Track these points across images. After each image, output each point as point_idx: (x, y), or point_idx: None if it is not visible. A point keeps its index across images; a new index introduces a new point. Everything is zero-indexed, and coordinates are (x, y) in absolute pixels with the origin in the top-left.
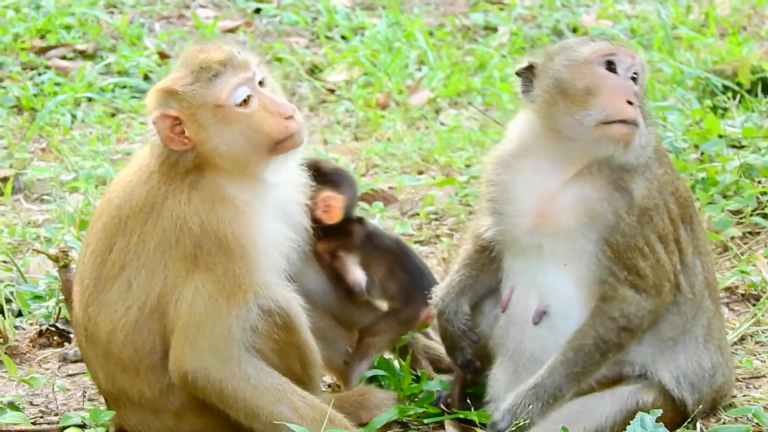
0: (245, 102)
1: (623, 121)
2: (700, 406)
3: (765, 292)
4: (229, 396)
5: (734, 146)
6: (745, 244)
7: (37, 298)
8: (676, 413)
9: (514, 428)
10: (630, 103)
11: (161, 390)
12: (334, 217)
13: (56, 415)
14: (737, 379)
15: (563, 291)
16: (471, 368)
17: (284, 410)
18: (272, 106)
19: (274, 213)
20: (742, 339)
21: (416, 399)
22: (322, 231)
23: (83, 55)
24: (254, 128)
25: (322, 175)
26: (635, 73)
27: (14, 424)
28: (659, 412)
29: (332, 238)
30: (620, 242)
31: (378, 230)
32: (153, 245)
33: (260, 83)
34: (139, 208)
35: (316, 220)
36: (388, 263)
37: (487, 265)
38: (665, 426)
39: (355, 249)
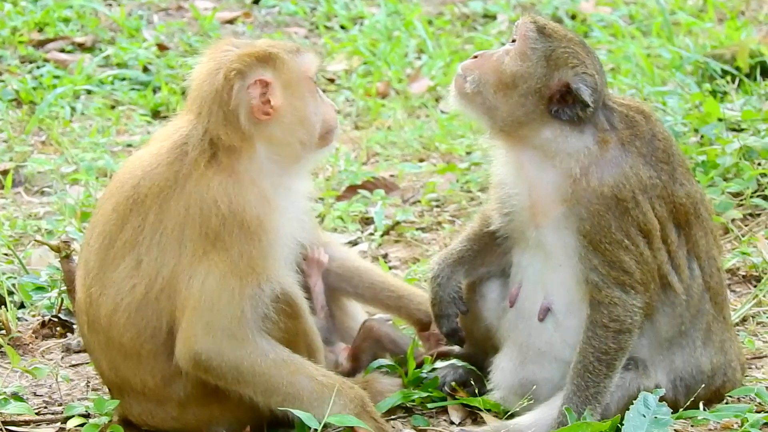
0: (316, 84)
1: None
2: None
3: (766, 273)
4: (247, 372)
5: (734, 129)
6: (746, 225)
7: (40, 289)
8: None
9: None
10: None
11: (164, 378)
12: None
13: (60, 405)
14: None
15: (565, 289)
16: (456, 337)
17: (303, 380)
18: (325, 97)
19: (292, 209)
20: (744, 320)
21: (420, 384)
22: None
23: (82, 47)
24: (321, 110)
25: None
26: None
27: (18, 414)
28: (662, 391)
29: None
30: (590, 231)
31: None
32: (172, 223)
33: None
34: (161, 187)
35: None
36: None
37: (489, 245)
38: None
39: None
